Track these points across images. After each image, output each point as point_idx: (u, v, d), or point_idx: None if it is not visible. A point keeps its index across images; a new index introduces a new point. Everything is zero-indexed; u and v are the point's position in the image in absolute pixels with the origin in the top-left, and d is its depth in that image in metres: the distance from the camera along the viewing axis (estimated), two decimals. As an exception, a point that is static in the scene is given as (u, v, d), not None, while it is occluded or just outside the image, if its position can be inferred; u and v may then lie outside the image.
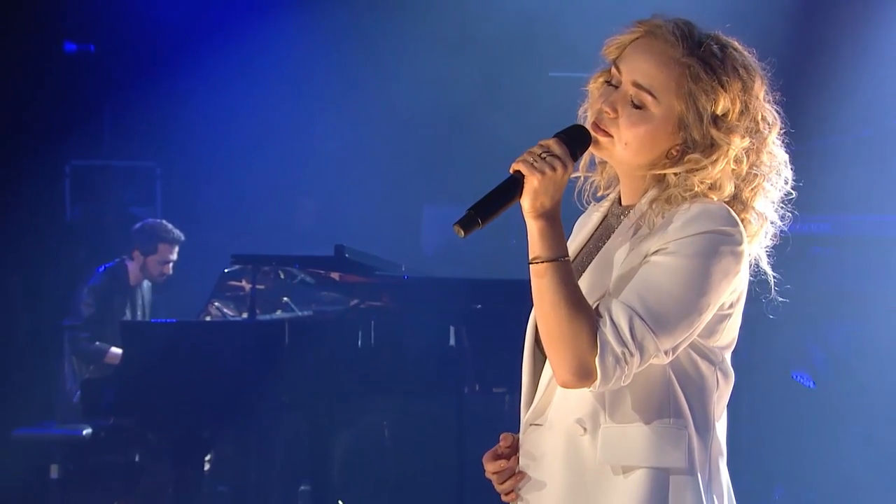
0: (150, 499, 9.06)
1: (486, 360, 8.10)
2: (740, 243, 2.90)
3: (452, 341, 8.08)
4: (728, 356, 3.05)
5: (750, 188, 2.99)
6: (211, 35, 11.48)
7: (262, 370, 8.02)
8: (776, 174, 3.03)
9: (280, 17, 11.48)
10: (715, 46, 2.96)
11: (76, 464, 8.91)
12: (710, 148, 2.93)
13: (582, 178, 3.16)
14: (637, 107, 2.96)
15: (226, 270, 9.07)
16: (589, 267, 3.06)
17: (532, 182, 2.81)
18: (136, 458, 9.09)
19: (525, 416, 3.10)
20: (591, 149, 3.01)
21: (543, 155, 2.83)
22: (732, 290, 2.94)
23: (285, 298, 9.08)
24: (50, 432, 8.95)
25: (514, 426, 8.86)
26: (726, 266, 2.88)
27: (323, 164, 11.49)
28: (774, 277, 3.11)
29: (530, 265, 2.88)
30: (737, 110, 2.94)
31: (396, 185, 11.42)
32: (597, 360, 2.79)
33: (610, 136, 2.97)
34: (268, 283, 8.63)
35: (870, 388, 7.86)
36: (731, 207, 2.93)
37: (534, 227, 2.85)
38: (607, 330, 2.80)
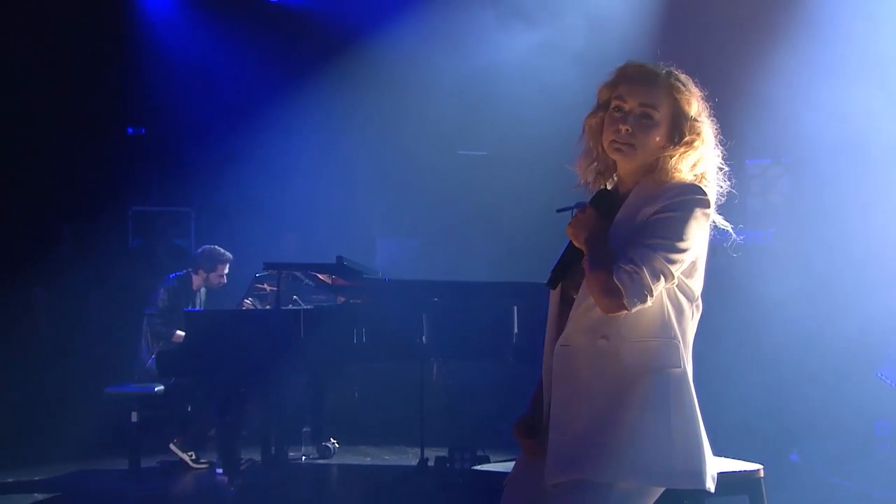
0: (199, 437, 8.71)
1: (443, 337, 7.80)
2: (708, 206, 2.94)
3: (418, 324, 7.80)
4: (699, 293, 3.01)
5: (703, 168, 3.01)
6: (224, 121, 11.44)
7: (283, 346, 7.73)
8: (716, 157, 3.05)
9: (272, 107, 11.37)
10: (675, 72, 3.04)
11: (149, 412, 8.57)
12: (686, 144, 2.98)
13: (582, 183, 3.15)
14: (645, 119, 2.96)
15: (257, 275, 8.90)
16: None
17: (578, 240, 2.95)
18: (189, 409, 8.71)
19: (555, 344, 3.02)
20: (616, 157, 3.03)
21: (578, 220, 2.97)
22: (702, 238, 2.94)
23: (294, 296, 8.87)
24: (130, 389, 8.64)
25: (462, 389, 8.55)
26: (700, 219, 2.91)
27: (303, 208, 11.34)
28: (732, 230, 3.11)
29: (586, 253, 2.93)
30: (701, 114, 3.02)
31: (356, 223, 11.35)
32: (614, 278, 2.80)
33: (631, 145, 2.96)
34: (283, 285, 8.30)
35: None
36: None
37: (584, 246, 2.93)
38: (619, 261, 2.83)
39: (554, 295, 3.11)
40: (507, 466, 7.50)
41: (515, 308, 7.89)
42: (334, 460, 8.98)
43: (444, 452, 8.02)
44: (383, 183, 11.27)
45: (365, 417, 10.03)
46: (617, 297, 2.79)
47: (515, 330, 7.89)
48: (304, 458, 8.98)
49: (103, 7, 11.11)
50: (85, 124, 10.96)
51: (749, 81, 6.87)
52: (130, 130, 11.77)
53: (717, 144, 3.04)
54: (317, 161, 11.28)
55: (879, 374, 7.69)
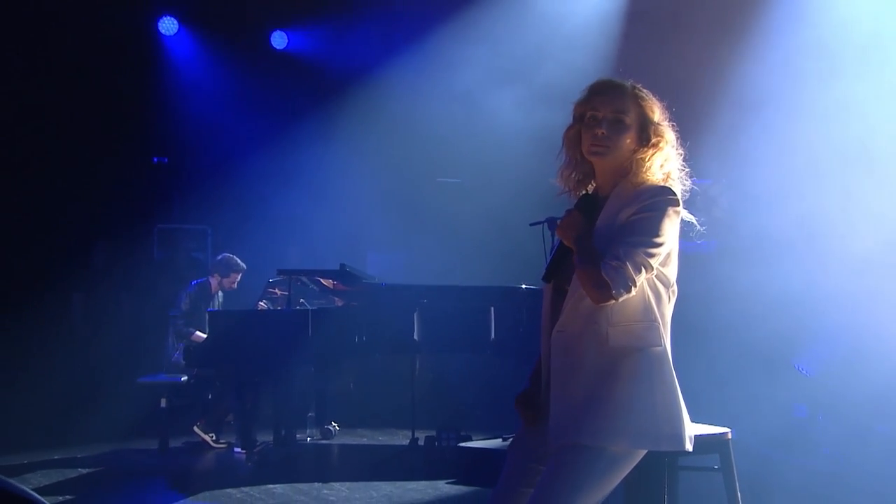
0: (218, 421, 8.68)
1: (432, 334, 7.81)
2: (679, 204, 2.92)
3: (409, 322, 7.80)
4: (674, 280, 2.98)
5: (669, 168, 2.99)
6: (236, 151, 11.47)
7: (293, 342, 7.66)
8: (678, 158, 3.02)
9: (277, 139, 11.48)
10: (637, 84, 3.03)
11: (176, 398, 8.57)
12: (654, 145, 2.96)
13: (565, 190, 3.11)
14: (617, 124, 2.95)
15: (270, 280, 8.85)
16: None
17: (567, 240, 2.93)
18: (210, 396, 8.69)
19: (552, 330, 2.96)
20: (592, 159, 3.01)
21: (567, 222, 2.93)
22: (674, 232, 2.93)
23: (301, 300, 8.78)
24: (160, 379, 8.61)
25: (447, 378, 8.45)
26: (673, 216, 2.90)
27: (304, 226, 11.29)
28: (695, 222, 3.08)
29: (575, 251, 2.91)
30: (663, 119, 3.00)
31: (350, 239, 11.27)
32: (602, 273, 2.78)
33: (607, 146, 2.95)
34: (292, 288, 8.26)
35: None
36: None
37: (573, 245, 2.90)
38: (606, 258, 2.81)
39: (548, 288, 3.07)
40: (487, 443, 7.53)
41: (492, 308, 7.91)
42: (335, 441, 8.94)
43: (432, 433, 8.02)
44: (374, 204, 11.25)
45: (360, 405, 9.97)
46: (606, 290, 2.79)
47: (493, 327, 7.91)
48: (309, 439, 8.94)
49: (133, 56, 11.16)
50: (117, 154, 10.96)
51: (695, 113, 6.96)
52: (155, 160, 11.73)
53: (677, 146, 3.03)
54: (316, 185, 11.24)
55: (796, 366, 7.76)
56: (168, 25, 11.46)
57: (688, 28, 8.22)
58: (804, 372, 7.78)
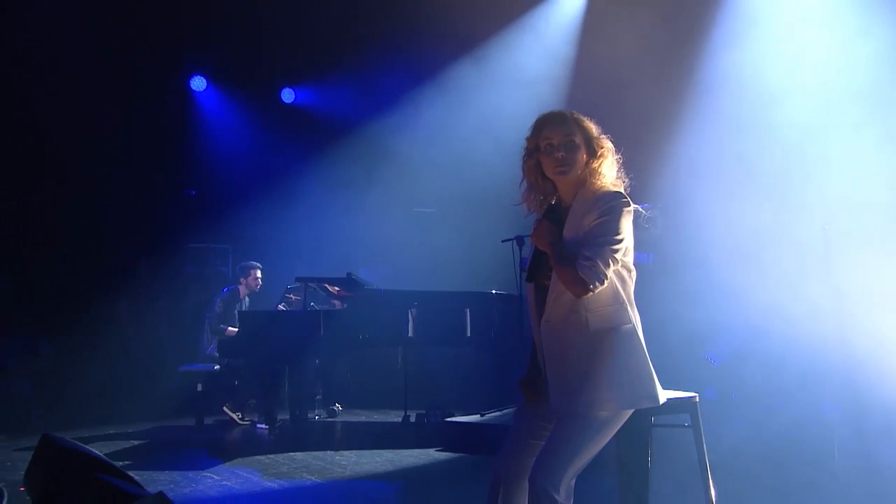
0: (242, 403, 8.56)
1: (422, 331, 7.78)
2: (630, 204, 2.87)
3: (404, 321, 7.77)
4: (632, 263, 2.94)
5: (615, 171, 2.96)
6: (253, 184, 11.29)
7: (307, 337, 7.58)
8: (617, 162, 2.98)
9: (286, 175, 11.34)
10: (573, 111, 2.99)
11: (210, 384, 8.42)
12: (601, 156, 2.93)
13: (531, 211, 3.05)
14: (571, 145, 2.92)
15: (288, 286, 8.73)
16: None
17: (542, 245, 2.88)
18: (236, 383, 8.51)
19: (540, 321, 2.93)
20: (558, 178, 2.96)
21: (540, 230, 2.86)
22: (630, 227, 2.88)
23: (312, 303, 8.64)
24: (197, 368, 8.45)
25: (435, 368, 8.29)
26: (628, 215, 2.86)
27: (307, 245, 11.13)
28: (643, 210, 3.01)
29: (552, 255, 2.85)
30: (601, 134, 2.96)
31: (344, 256, 11.05)
32: (578, 270, 2.76)
33: (569, 164, 2.92)
34: (307, 293, 8.16)
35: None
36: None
37: (549, 250, 2.86)
38: (579, 258, 2.78)
39: (530, 287, 3.02)
40: (467, 419, 7.44)
41: (468, 310, 7.89)
42: (339, 419, 8.84)
43: (421, 411, 7.96)
44: (364, 228, 11.17)
45: (358, 389, 9.87)
46: (583, 285, 2.77)
47: (468, 325, 7.89)
48: (317, 417, 8.82)
49: (170, 109, 11.07)
50: (156, 188, 10.79)
51: (640, 150, 6.98)
52: (187, 192, 11.58)
53: (615, 155, 2.98)
54: (318, 212, 11.14)
55: (707, 356, 7.77)
56: (198, 83, 11.43)
57: (632, 83, 8.29)
58: (713, 362, 7.80)
